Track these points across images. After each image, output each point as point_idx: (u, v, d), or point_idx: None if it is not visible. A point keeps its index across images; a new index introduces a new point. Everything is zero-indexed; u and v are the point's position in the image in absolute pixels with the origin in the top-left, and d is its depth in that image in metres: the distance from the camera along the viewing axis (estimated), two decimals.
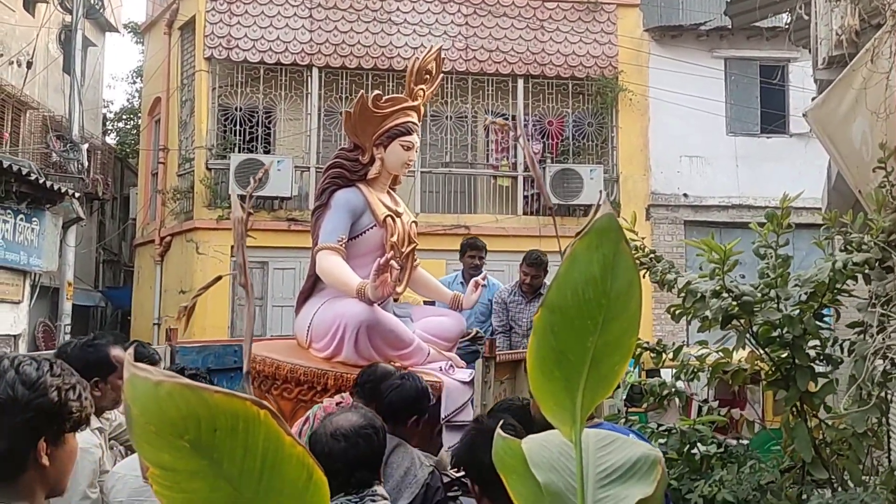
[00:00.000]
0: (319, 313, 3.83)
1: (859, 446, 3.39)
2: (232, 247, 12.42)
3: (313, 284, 4.00)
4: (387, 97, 4.10)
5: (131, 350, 0.96)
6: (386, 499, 2.08)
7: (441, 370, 3.78)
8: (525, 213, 13.02)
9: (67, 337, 11.31)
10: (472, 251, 5.64)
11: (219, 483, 1.01)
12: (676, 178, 13.43)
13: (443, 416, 3.57)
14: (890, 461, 3.68)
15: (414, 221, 4.25)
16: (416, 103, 4.15)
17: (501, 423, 2.49)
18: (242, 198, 1.53)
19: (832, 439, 3.51)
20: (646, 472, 1.22)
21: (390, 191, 4.18)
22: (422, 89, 4.19)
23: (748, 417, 5.29)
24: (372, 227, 3.95)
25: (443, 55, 13.26)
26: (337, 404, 3.12)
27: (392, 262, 3.62)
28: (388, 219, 3.98)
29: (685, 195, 13.43)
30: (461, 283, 5.49)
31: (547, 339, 1.16)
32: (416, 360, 3.81)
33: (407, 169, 4.22)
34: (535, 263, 5.59)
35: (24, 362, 1.43)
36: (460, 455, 2.43)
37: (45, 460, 1.43)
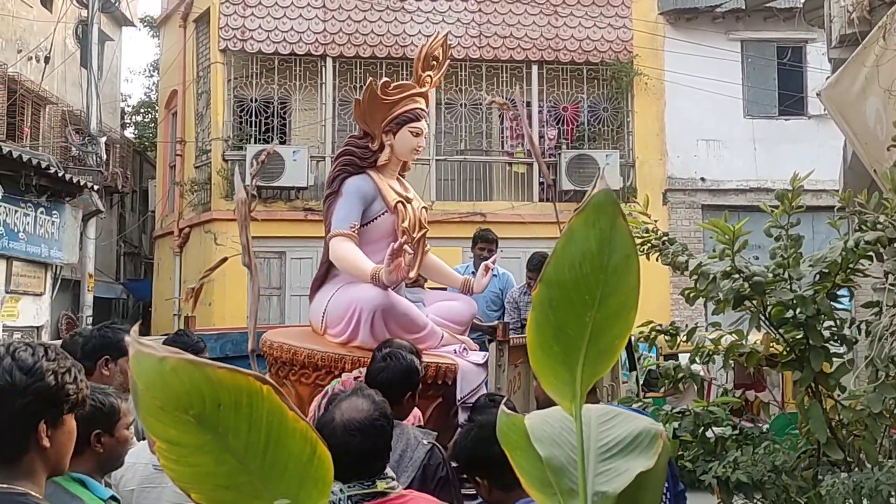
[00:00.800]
0: (334, 299, 3.86)
1: (875, 426, 3.37)
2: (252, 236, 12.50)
3: (327, 271, 4.03)
4: (395, 84, 4.11)
5: (136, 327, 0.98)
6: (393, 479, 2.12)
7: (455, 353, 3.82)
8: (541, 200, 12.99)
9: (89, 328, 11.48)
10: (482, 244, 5.61)
11: (224, 457, 1.03)
12: (693, 163, 13.34)
13: (458, 398, 3.62)
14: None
15: (424, 207, 4.28)
16: (423, 90, 4.15)
17: (503, 402, 2.52)
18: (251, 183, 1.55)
19: (848, 420, 3.50)
20: (647, 445, 1.23)
21: (399, 177, 4.20)
22: (429, 76, 4.18)
23: (764, 400, 5.27)
24: (383, 214, 3.98)
25: (457, 42, 13.19)
26: (355, 378, 3.16)
27: (405, 246, 3.66)
28: (399, 205, 4.01)
29: (702, 179, 13.33)
30: (472, 272, 5.49)
31: (545, 315, 1.17)
32: (431, 344, 3.83)
33: (416, 155, 4.24)
34: (537, 268, 5.56)
35: (19, 348, 1.47)
36: (466, 453, 2.40)
37: (46, 442, 1.48)
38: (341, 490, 2.03)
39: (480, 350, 4.03)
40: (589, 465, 1.21)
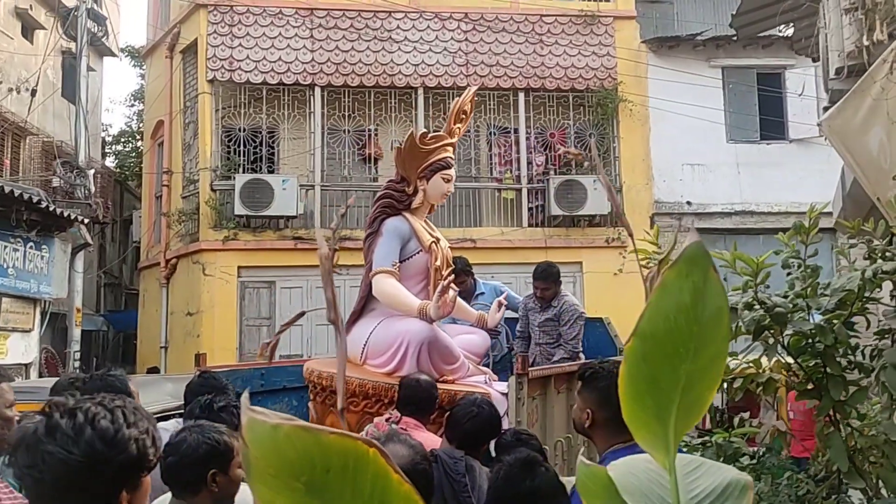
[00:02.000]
0: (378, 331, 4.10)
1: (893, 453, 3.39)
2: (239, 267, 12.43)
3: (364, 305, 4.30)
4: (431, 135, 4.48)
5: (246, 395, 0.97)
6: None
7: (485, 383, 4.11)
8: (530, 225, 13.06)
9: (76, 364, 11.28)
10: (460, 276, 5.71)
11: None
12: (679, 187, 13.49)
13: None
14: None
15: (449, 247, 4.50)
16: (454, 140, 4.55)
17: (524, 457, 2.50)
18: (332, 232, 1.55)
19: (863, 446, 3.52)
20: (737, 496, 1.23)
21: (426, 219, 4.53)
22: (458, 127, 4.58)
23: (765, 422, 5.27)
24: (418, 253, 4.29)
25: (444, 71, 13.33)
26: (386, 420, 3.22)
27: (452, 286, 3.95)
28: (433, 245, 4.34)
29: (688, 203, 13.47)
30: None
31: (639, 368, 1.17)
32: (461, 374, 4.12)
33: (445, 199, 4.63)
34: (541, 276, 5.71)
35: (97, 415, 1.41)
36: (496, 493, 2.43)
37: None
38: None
39: (499, 378, 4.33)
40: None
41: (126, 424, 1.41)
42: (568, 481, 2.38)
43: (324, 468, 0.98)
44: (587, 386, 2.56)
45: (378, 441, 2.31)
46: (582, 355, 5.33)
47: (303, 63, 12.81)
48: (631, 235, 1.40)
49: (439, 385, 3.78)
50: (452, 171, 4.47)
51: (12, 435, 2.15)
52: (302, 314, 1.66)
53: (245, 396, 0.99)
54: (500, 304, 4.56)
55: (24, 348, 9.26)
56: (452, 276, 4.17)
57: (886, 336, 3.45)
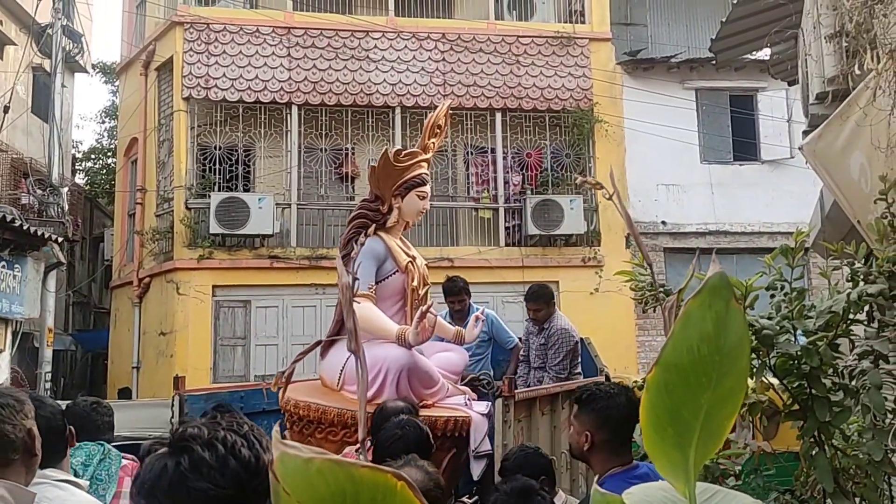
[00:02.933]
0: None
1: (877, 474, 3.43)
2: (214, 286, 12.29)
3: (340, 329, 4.14)
4: (406, 152, 4.38)
5: (276, 429, 0.96)
6: None
7: (465, 404, 4.02)
8: (507, 245, 13.10)
9: (47, 385, 11.04)
10: (450, 297, 5.71)
11: None
12: (654, 207, 13.64)
13: (472, 448, 3.78)
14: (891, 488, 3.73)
15: (426, 264, 4.44)
16: (428, 156, 4.45)
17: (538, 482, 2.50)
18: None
19: (847, 466, 3.56)
20: None
21: (402, 237, 4.38)
22: (433, 142, 4.49)
23: (739, 441, 5.30)
24: (394, 273, 4.21)
25: (421, 90, 13.39)
26: (356, 450, 3.17)
27: (431, 310, 3.89)
28: (409, 264, 4.25)
29: (663, 223, 13.62)
30: (449, 321, 5.56)
31: (661, 398, 1.17)
32: (440, 397, 4.05)
33: (420, 217, 4.52)
34: (531, 297, 5.72)
35: (236, 443, 1.35)
36: (518, 462, 2.44)
37: None
38: None
39: (480, 398, 4.26)
40: None
41: (263, 450, 1.37)
42: (572, 500, 2.39)
43: (354, 502, 0.98)
44: (585, 408, 2.56)
45: (396, 466, 2.30)
46: (578, 376, 5.33)
47: (279, 81, 12.78)
48: (650, 265, 1.41)
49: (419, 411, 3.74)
50: (428, 188, 4.40)
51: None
52: (319, 343, 1.61)
53: (276, 430, 0.97)
54: (476, 319, 4.50)
55: None
56: (430, 300, 4.10)
57: (867, 357, 3.50)
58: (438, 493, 2.08)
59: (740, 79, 13.86)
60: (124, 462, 3.17)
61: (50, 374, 11.18)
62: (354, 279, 1.04)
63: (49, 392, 11.21)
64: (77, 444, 3.06)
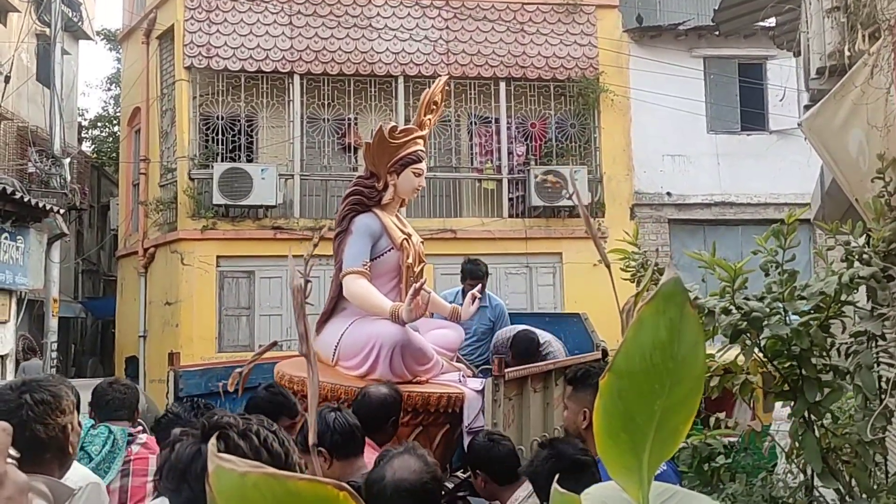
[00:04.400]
0: (349, 333, 4.03)
1: (867, 454, 3.43)
2: (218, 256, 12.34)
3: (335, 305, 4.20)
4: (401, 128, 4.33)
5: (213, 442, 0.95)
6: None
7: (459, 381, 4.01)
8: (510, 216, 13.06)
9: (54, 354, 11.16)
10: (472, 280, 5.54)
11: None
12: (659, 178, 13.53)
13: (465, 424, 3.80)
14: (886, 467, 3.73)
15: (422, 241, 4.44)
16: (424, 132, 4.39)
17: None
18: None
19: (837, 446, 3.56)
20: None
21: (398, 214, 4.35)
22: (429, 119, 4.44)
23: (740, 418, 5.31)
24: (389, 250, 4.19)
25: (425, 59, 13.25)
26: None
27: (424, 287, 3.86)
28: (404, 242, 4.21)
29: (668, 194, 13.53)
30: (461, 303, 5.48)
31: (614, 404, 1.16)
32: (435, 373, 4.05)
33: (416, 194, 4.46)
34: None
35: (268, 438, 1.38)
36: (478, 457, 2.68)
37: None
38: None
39: (476, 374, 4.30)
40: None
41: (291, 449, 1.40)
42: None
43: None
44: (582, 386, 2.55)
45: (395, 452, 2.29)
46: None
47: (281, 50, 12.67)
48: (608, 266, 1.38)
49: (411, 387, 3.76)
50: (423, 165, 4.36)
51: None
52: (274, 344, 1.61)
53: (212, 443, 0.97)
54: (473, 297, 4.49)
55: (1, 339, 9.14)
56: (424, 278, 4.09)
57: (861, 337, 3.48)
58: (434, 486, 2.08)
59: (749, 47, 13.64)
60: (145, 439, 3.19)
61: (56, 344, 11.30)
62: (307, 281, 1.02)
63: (56, 360, 11.35)
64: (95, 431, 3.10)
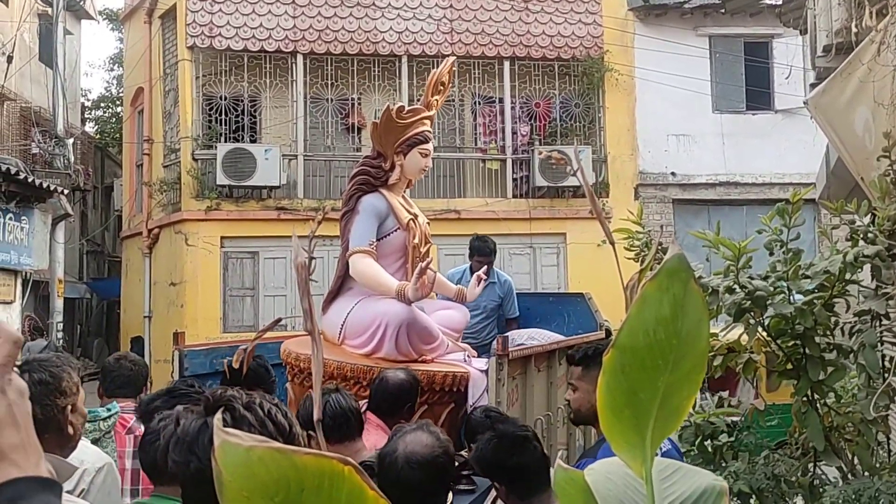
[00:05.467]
0: (355, 312, 4.04)
1: (869, 433, 3.45)
2: (222, 237, 12.35)
3: (341, 284, 4.21)
4: (408, 109, 4.32)
5: (219, 416, 0.95)
6: None
7: (464, 360, 4.04)
8: (515, 196, 13.04)
9: (59, 334, 11.22)
10: (480, 258, 5.56)
11: None
12: (664, 157, 13.48)
13: (470, 403, 3.81)
14: (889, 446, 3.75)
15: (428, 222, 4.42)
16: (431, 113, 4.38)
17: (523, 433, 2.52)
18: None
19: (840, 425, 3.57)
20: (713, 503, 1.23)
21: (404, 194, 4.34)
22: (436, 99, 4.42)
23: (743, 397, 5.32)
24: (395, 230, 4.19)
25: (428, 38, 13.17)
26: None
27: (430, 267, 3.87)
28: (411, 222, 4.21)
29: (673, 174, 13.48)
30: (468, 281, 5.49)
31: (618, 380, 1.16)
32: (440, 353, 4.06)
33: (423, 174, 4.47)
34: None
35: (272, 410, 1.41)
36: (485, 460, 2.49)
37: None
38: None
39: (480, 355, 4.28)
40: None
41: (295, 422, 1.42)
42: None
43: (298, 488, 0.98)
44: (592, 365, 2.53)
45: (409, 428, 2.30)
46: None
47: (284, 29, 12.59)
48: (612, 244, 1.38)
49: (416, 366, 3.77)
50: (430, 146, 4.36)
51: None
52: (278, 321, 1.62)
53: (218, 417, 0.97)
54: (479, 279, 4.51)
55: (6, 319, 9.19)
56: (430, 257, 4.10)
57: (865, 316, 3.48)
58: (446, 460, 2.10)
59: (756, 25, 13.52)
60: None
61: (62, 324, 11.35)
62: (311, 258, 1.03)
63: (61, 340, 11.41)
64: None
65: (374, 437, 3.02)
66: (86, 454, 2.47)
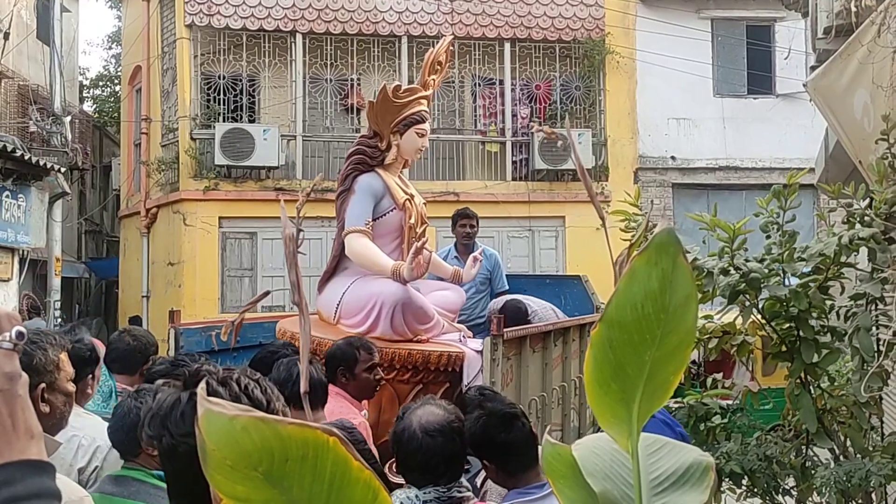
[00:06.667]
0: (351, 291, 4.07)
1: (862, 415, 3.46)
2: (220, 217, 12.33)
3: (337, 264, 4.24)
4: (405, 88, 4.33)
5: (202, 385, 0.95)
6: (468, 489, 2.15)
7: (459, 341, 4.07)
8: (514, 179, 13.00)
9: (57, 312, 11.23)
10: (464, 220, 5.67)
11: None
12: (664, 141, 13.44)
13: (465, 383, 3.85)
14: (882, 429, 3.77)
15: (424, 203, 4.42)
16: (428, 92, 4.40)
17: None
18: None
19: (832, 407, 3.58)
20: (699, 478, 1.24)
21: (400, 174, 4.36)
22: (433, 79, 4.43)
23: (739, 380, 5.34)
24: (391, 210, 4.21)
25: (429, 19, 13.06)
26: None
27: (426, 247, 3.92)
28: (407, 202, 4.24)
29: (673, 158, 13.44)
30: (455, 257, 5.54)
31: (605, 354, 1.16)
32: (435, 333, 4.11)
33: (419, 154, 4.50)
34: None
35: (249, 385, 1.39)
36: (474, 438, 2.50)
37: None
38: (417, 496, 2.05)
39: (476, 335, 4.32)
40: (644, 501, 1.21)
41: (274, 397, 1.39)
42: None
43: (282, 458, 0.98)
44: None
45: (416, 405, 2.34)
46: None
47: (283, 8, 12.50)
48: (603, 219, 1.37)
49: (412, 345, 3.79)
50: (427, 126, 4.36)
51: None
52: (266, 294, 1.63)
53: (201, 387, 0.97)
54: (475, 259, 4.53)
55: (3, 297, 9.20)
56: (426, 237, 4.12)
57: (860, 299, 3.48)
58: (460, 425, 2.19)
59: (758, 8, 13.43)
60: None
61: (59, 303, 11.35)
62: (299, 230, 1.02)
63: (59, 319, 11.42)
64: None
65: (332, 405, 3.10)
66: (99, 431, 2.48)
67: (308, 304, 1.13)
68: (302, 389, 1.14)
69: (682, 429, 3.13)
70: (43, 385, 2.02)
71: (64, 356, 2.12)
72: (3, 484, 0.95)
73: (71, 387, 2.13)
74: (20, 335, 1.02)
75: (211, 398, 0.94)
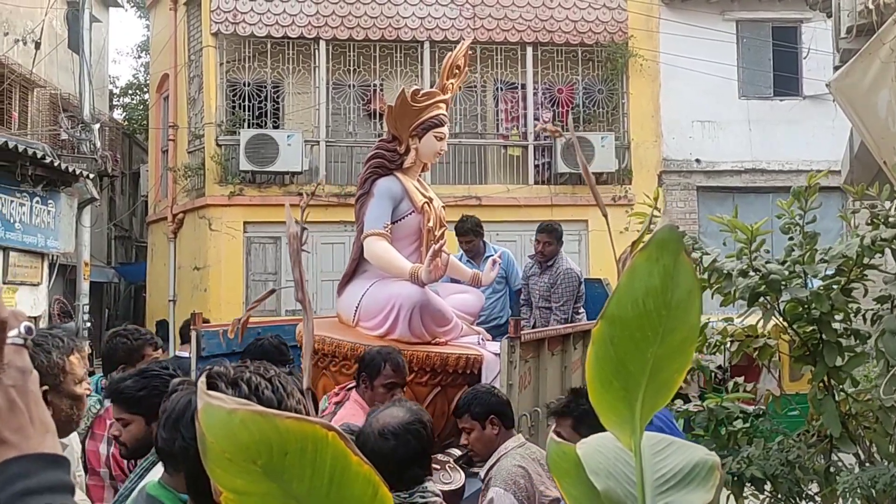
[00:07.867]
0: (370, 294, 4.09)
1: (887, 420, 3.40)
2: (245, 222, 12.45)
3: (356, 267, 4.26)
4: (423, 92, 4.35)
5: (203, 379, 0.96)
6: (437, 495, 2.12)
7: (478, 343, 4.08)
8: (536, 183, 12.97)
9: (86, 316, 11.41)
10: (459, 237, 5.67)
11: (288, 502, 1.03)
12: (689, 144, 13.32)
13: None
14: None
15: (443, 206, 4.45)
16: (447, 97, 4.41)
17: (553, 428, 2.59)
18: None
19: (857, 412, 3.52)
20: (704, 477, 1.22)
21: (419, 178, 4.38)
22: (451, 83, 4.44)
23: (765, 386, 5.27)
24: (410, 214, 4.22)
25: (451, 24, 13.09)
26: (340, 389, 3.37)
27: (444, 249, 3.94)
28: (425, 205, 4.24)
29: (697, 161, 13.32)
30: (468, 260, 5.57)
31: (606, 351, 1.16)
32: (454, 336, 4.11)
33: (438, 158, 4.50)
34: (545, 230, 5.68)
35: (259, 385, 1.39)
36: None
37: None
38: None
39: (494, 338, 4.33)
40: (648, 500, 1.20)
41: (286, 395, 1.39)
42: (530, 447, 2.55)
43: (281, 452, 0.98)
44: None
45: (384, 406, 2.36)
46: (581, 317, 5.33)
47: (307, 16, 12.61)
48: (605, 215, 1.37)
49: (430, 348, 3.79)
50: (445, 129, 4.37)
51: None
52: (272, 292, 1.63)
53: (202, 382, 0.98)
54: (493, 263, 4.53)
55: (33, 301, 9.38)
56: (444, 239, 4.13)
57: (886, 302, 3.42)
58: (419, 427, 2.15)
59: (783, 9, 13.28)
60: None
61: (87, 307, 11.53)
62: (303, 229, 1.03)
63: (88, 323, 11.60)
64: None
65: (346, 411, 3.12)
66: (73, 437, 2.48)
67: (311, 303, 1.13)
68: (304, 385, 1.14)
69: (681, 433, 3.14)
70: (45, 388, 2.02)
71: (74, 359, 2.08)
72: (18, 476, 0.97)
73: (80, 390, 2.09)
74: (29, 330, 1.04)
75: (210, 391, 0.95)
